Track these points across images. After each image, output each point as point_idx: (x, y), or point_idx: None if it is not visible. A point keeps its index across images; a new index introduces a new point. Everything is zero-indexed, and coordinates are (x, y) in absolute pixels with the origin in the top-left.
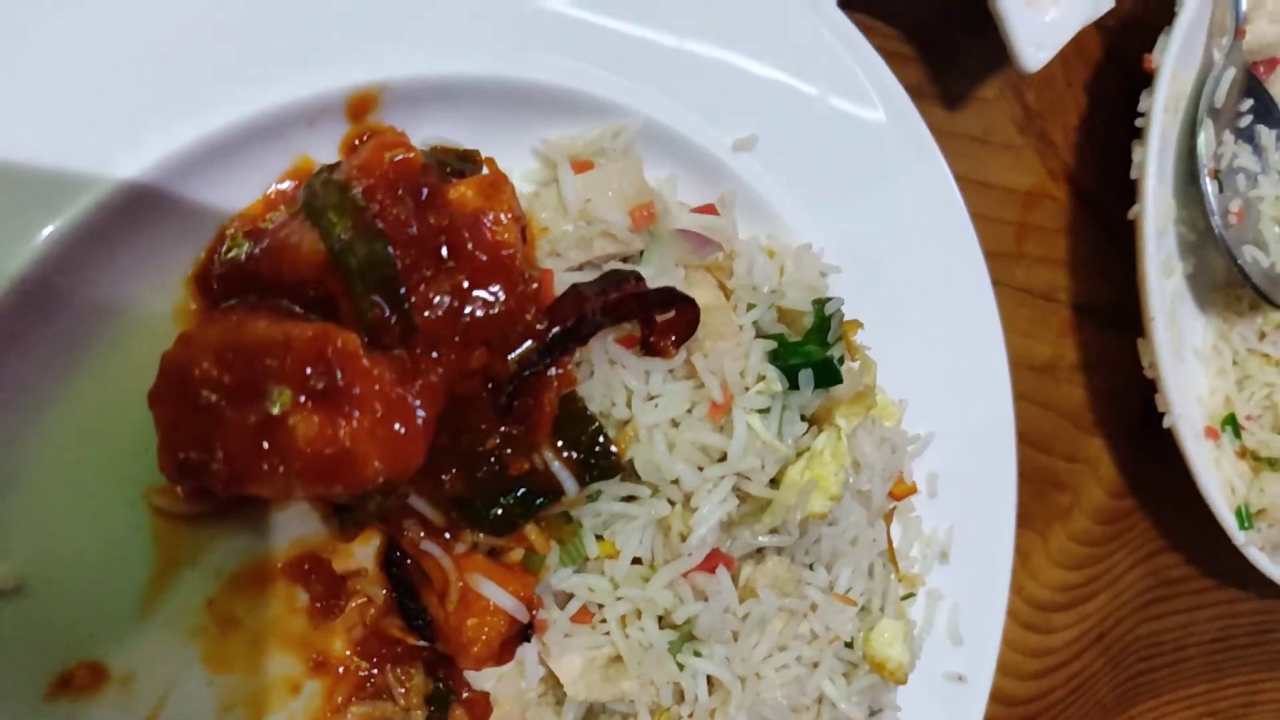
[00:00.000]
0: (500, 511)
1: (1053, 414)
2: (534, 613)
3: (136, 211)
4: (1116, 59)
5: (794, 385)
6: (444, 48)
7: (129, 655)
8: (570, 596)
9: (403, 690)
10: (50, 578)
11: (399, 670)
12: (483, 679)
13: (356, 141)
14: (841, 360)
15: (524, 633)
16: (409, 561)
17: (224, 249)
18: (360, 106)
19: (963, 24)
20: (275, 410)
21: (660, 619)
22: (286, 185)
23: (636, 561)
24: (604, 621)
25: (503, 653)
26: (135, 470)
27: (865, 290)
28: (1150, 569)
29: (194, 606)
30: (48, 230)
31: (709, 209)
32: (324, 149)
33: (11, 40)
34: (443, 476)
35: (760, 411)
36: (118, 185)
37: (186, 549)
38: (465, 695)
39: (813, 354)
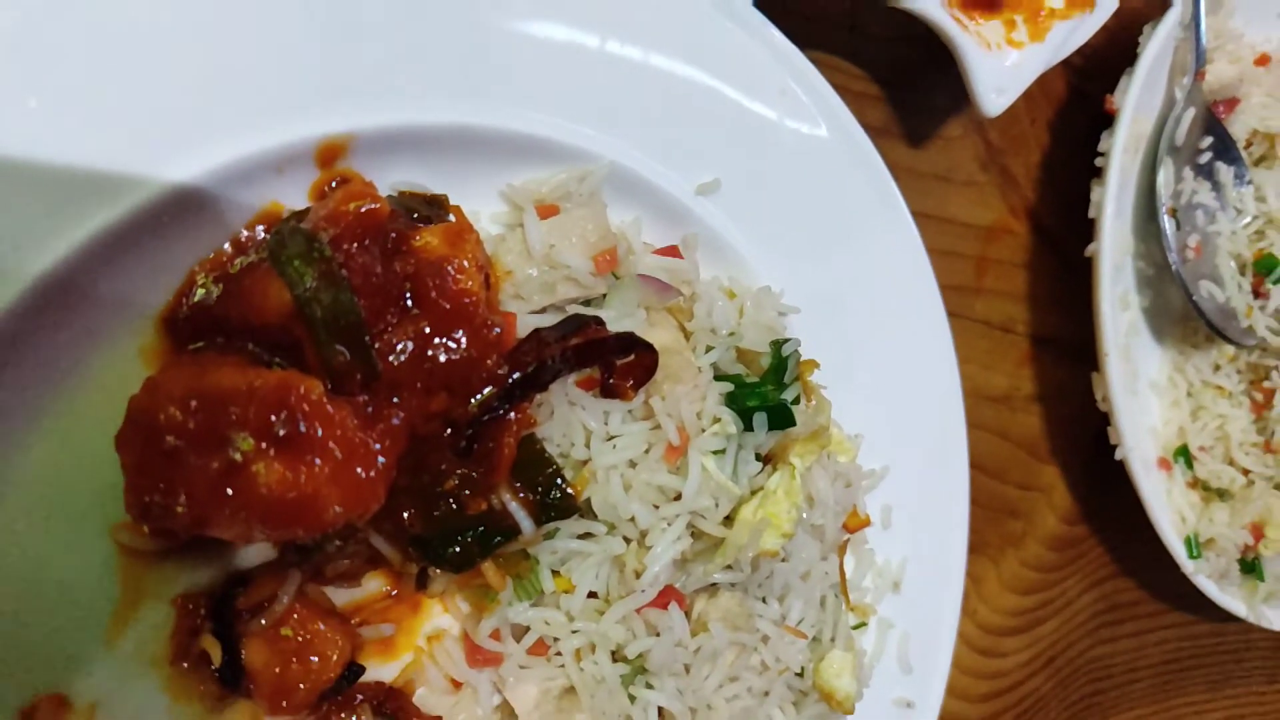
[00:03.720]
0: (458, 549)
1: (1008, 443)
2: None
3: (108, 255)
4: (1080, 98)
5: (749, 427)
6: (412, 98)
7: (93, 686)
8: (526, 630)
9: None
10: (16, 611)
11: (344, 715)
12: (437, 707)
13: (326, 188)
14: (797, 400)
15: (339, 686)
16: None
17: (192, 292)
18: (329, 154)
19: (928, 65)
20: (238, 457)
21: (614, 653)
22: (256, 230)
23: (592, 595)
24: (559, 655)
25: (317, 705)
26: (102, 507)
27: (824, 328)
28: (1102, 594)
29: (157, 638)
30: (26, 272)
31: (672, 250)
32: (293, 195)
33: None
34: (402, 515)
35: (715, 453)
36: (91, 231)
37: (151, 583)
38: None
39: (768, 395)
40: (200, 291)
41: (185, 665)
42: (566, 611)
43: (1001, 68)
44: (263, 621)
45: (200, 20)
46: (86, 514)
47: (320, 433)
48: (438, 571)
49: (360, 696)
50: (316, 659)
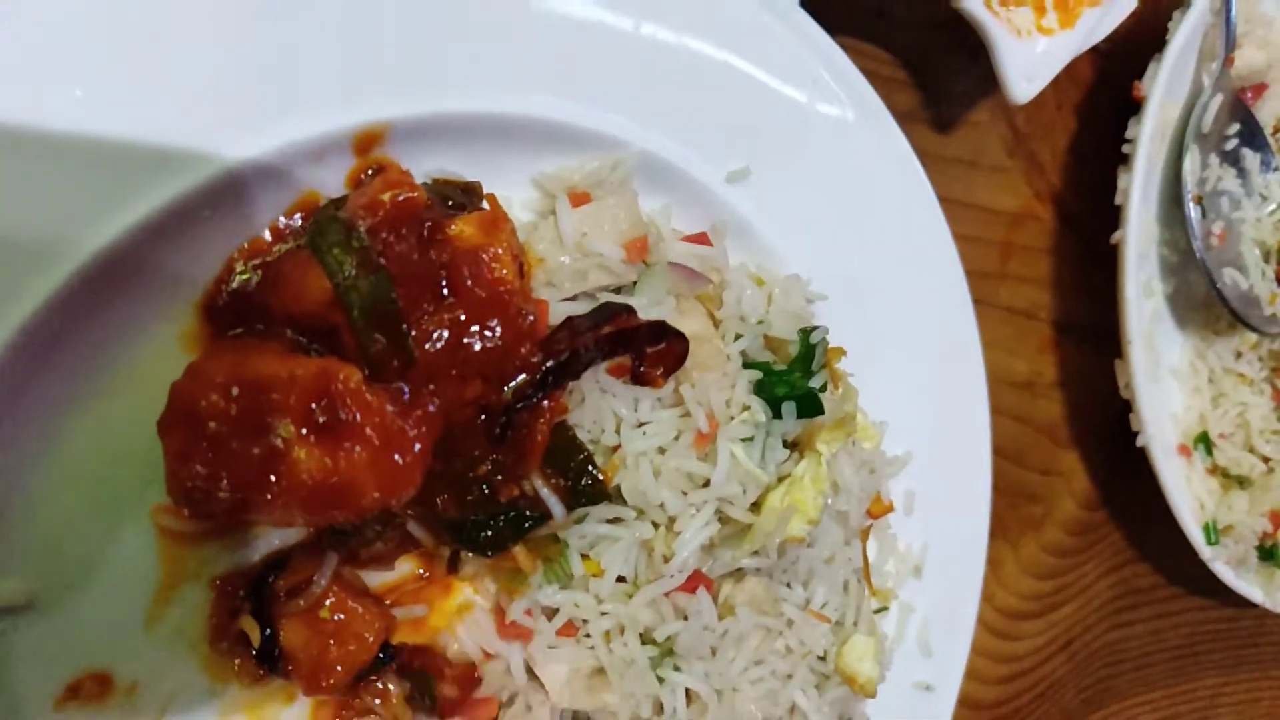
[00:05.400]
0: (490, 533)
1: (1029, 428)
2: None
3: (151, 239)
4: (1107, 83)
5: (777, 415)
6: (448, 86)
7: (134, 665)
8: (556, 611)
9: (379, 701)
10: (60, 593)
11: (374, 686)
12: None
13: (362, 175)
14: (824, 388)
15: (375, 666)
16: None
17: (231, 279)
18: (366, 142)
19: (955, 50)
20: (279, 443)
21: (642, 635)
22: (294, 218)
23: (621, 580)
24: (589, 636)
25: (353, 685)
26: (143, 490)
27: (850, 314)
28: (1119, 579)
29: (196, 619)
30: (69, 264)
31: (701, 238)
32: (331, 182)
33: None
34: (436, 500)
35: (744, 440)
36: (137, 215)
37: (190, 564)
38: (448, 671)
39: (796, 383)
40: (240, 278)
41: (224, 646)
42: (595, 594)
43: (1031, 55)
44: (300, 603)
45: (242, 11)
46: (128, 497)
47: (359, 419)
48: (469, 555)
49: None
50: (353, 640)
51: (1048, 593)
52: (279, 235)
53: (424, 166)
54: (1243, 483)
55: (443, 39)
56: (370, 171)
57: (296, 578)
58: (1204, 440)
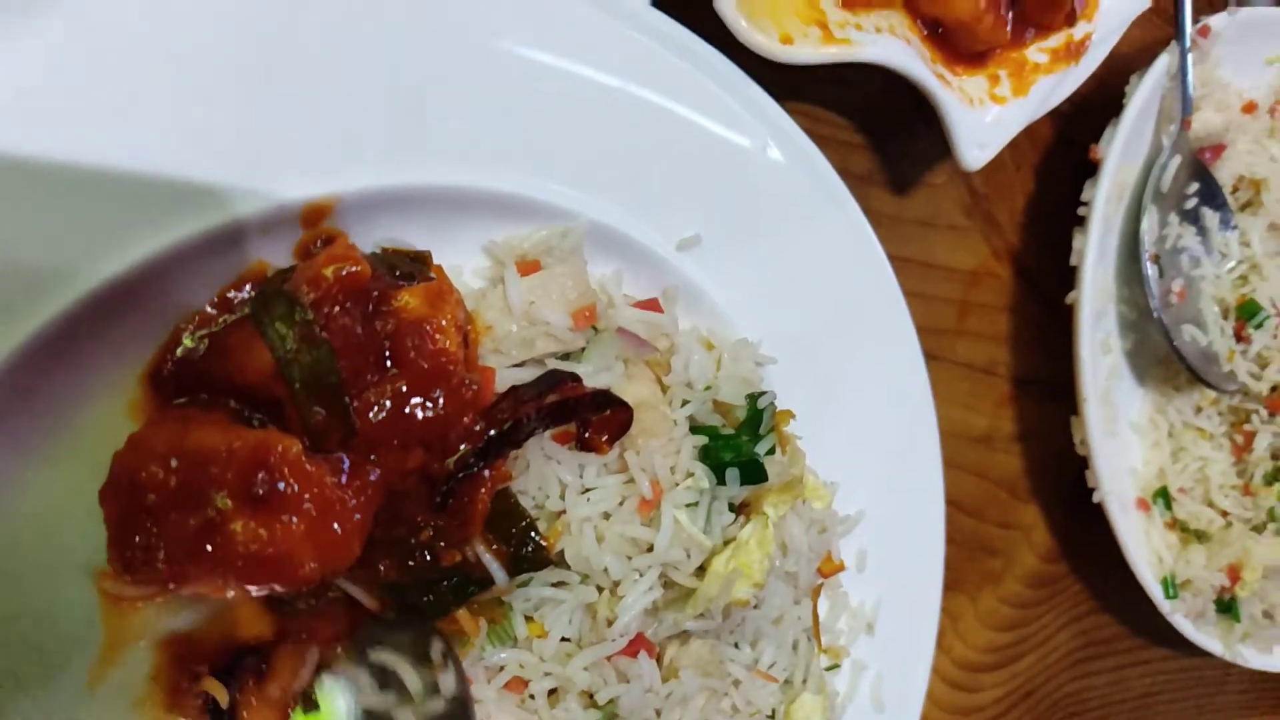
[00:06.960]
0: (433, 598)
1: (988, 482)
2: None
3: (96, 315)
4: (1066, 143)
5: (723, 481)
6: (397, 161)
7: None
8: (501, 669)
9: None
10: (4, 654)
11: None
12: None
13: (311, 246)
14: (771, 451)
15: None
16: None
17: (177, 349)
18: (314, 215)
19: (912, 114)
20: (215, 515)
21: (590, 697)
22: (242, 288)
23: (565, 640)
24: (533, 698)
25: None
26: (87, 555)
27: (801, 376)
28: (1080, 630)
29: (139, 679)
30: (18, 335)
31: (652, 304)
32: (278, 253)
33: None
34: (378, 566)
35: (688, 506)
36: (85, 290)
37: (133, 627)
38: None
39: (743, 448)
40: (184, 349)
41: (171, 709)
42: (539, 655)
43: (982, 124)
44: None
45: (195, 88)
46: (72, 561)
47: (298, 490)
48: None
49: None
50: None
51: (1008, 644)
52: (226, 306)
53: (375, 235)
54: (1201, 537)
55: (393, 115)
56: (320, 242)
57: (279, 678)
58: (1163, 494)
